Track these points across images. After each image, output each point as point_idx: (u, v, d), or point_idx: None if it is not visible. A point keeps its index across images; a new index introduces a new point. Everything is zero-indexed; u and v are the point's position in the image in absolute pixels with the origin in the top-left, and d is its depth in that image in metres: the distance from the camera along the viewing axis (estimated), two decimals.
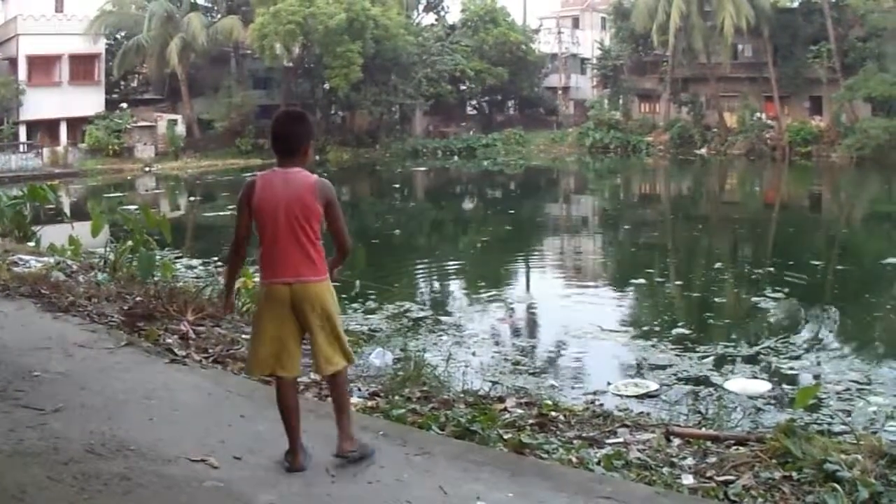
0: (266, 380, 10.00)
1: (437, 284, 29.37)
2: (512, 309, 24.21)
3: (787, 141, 78.31)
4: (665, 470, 8.16)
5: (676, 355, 17.93)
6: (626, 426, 9.81)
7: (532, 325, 22.83)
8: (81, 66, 79.95)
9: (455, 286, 29.01)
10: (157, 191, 66.98)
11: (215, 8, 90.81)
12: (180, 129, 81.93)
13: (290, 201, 7.08)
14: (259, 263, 7.33)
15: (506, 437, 8.76)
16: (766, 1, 79.33)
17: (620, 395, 14.84)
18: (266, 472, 7.33)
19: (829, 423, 12.80)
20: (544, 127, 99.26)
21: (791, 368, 17.18)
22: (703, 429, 10.13)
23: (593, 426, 9.79)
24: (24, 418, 8.32)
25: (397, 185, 69.59)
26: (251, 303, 15.02)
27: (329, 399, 8.22)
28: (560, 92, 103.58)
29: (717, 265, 30.77)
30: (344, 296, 22.66)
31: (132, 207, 25.50)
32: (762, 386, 15.67)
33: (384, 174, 75.46)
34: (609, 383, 15.69)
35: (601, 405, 12.34)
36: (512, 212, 50.56)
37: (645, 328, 21.18)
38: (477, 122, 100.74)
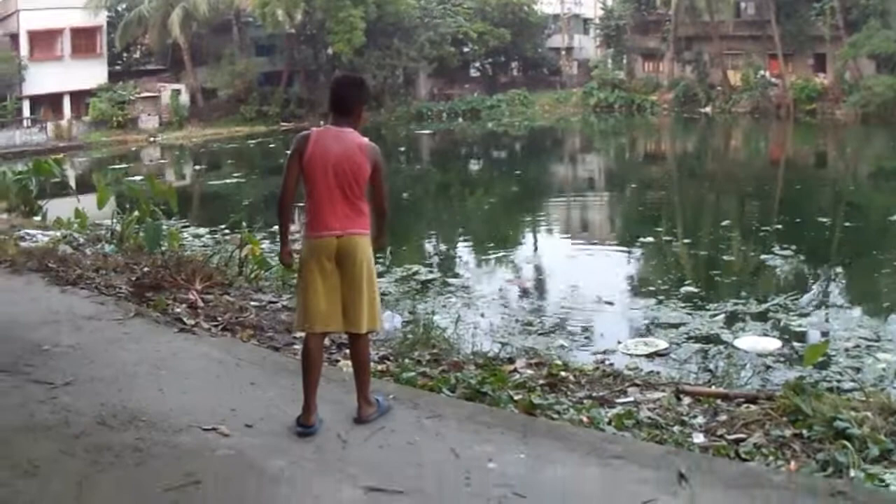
0: (276, 347, 10.07)
1: (444, 247, 29.40)
2: (520, 270, 24.21)
3: (792, 98, 77.92)
4: (676, 429, 8.17)
5: (686, 314, 17.93)
6: (637, 385, 9.81)
7: (540, 285, 22.83)
8: (83, 40, 79.60)
9: (463, 248, 29.04)
10: (162, 161, 66.92)
11: None
12: (184, 98, 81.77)
13: (341, 158, 7.40)
14: (307, 217, 7.54)
15: (516, 398, 8.77)
16: None
17: (630, 355, 14.84)
18: (278, 438, 7.35)
19: (839, 381, 12.81)
20: (548, 87, 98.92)
21: (800, 326, 17.19)
22: (713, 387, 10.12)
23: (603, 386, 9.79)
24: (35, 393, 8.34)
25: (403, 149, 69.56)
26: (259, 270, 15.08)
27: (344, 363, 8.30)
28: (563, 52, 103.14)
29: (725, 223, 30.74)
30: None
31: (137, 178, 25.57)
32: (772, 343, 15.67)
33: (389, 137, 75.26)
34: (619, 342, 15.69)
35: (611, 365, 12.29)
36: (518, 173, 50.51)
37: (653, 287, 21.17)
38: (481, 83, 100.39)
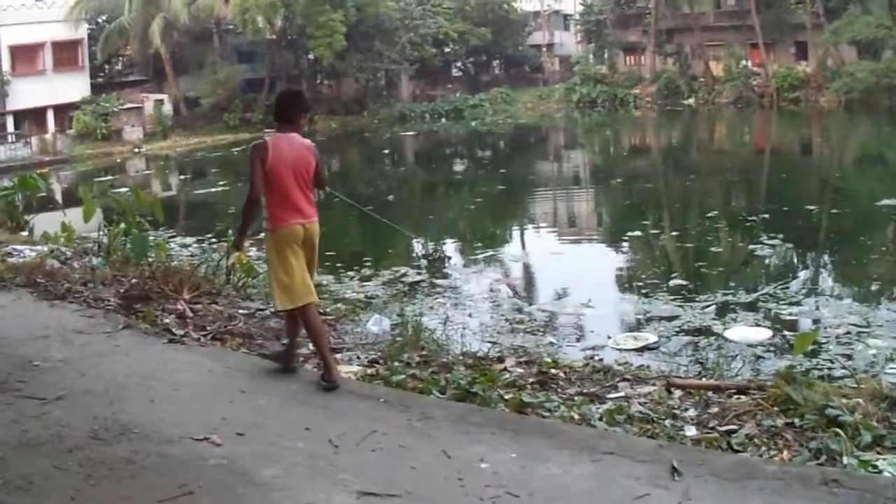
0: (265, 354, 10.11)
1: (431, 248, 29.35)
2: (508, 268, 24.21)
3: (775, 87, 78.08)
4: (667, 422, 8.19)
5: (675, 307, 17.92)
6: (627, 380, 9.84)
7: (529, 283, 22.83)
8: (65, 53, 79.53)
9: (450, 248, 29.02)
10: (148, 172, 66.83)
11: None
12: (167, 108, 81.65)
13: (297, 159, 9.14)
14: (272, 211, 9.17)
15: (507, 397, 8.80)
16: None
17: (620, 349, 14.82)
18: (270, 446, 7.36)
19: (830, 368, 12.85)
20: (530, 85, 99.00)
21: (790, 314, 17.16)
22: (704, 379, 10.14)
23: (594, 382, 9.81)
24: (27, 408, 8.33)
25: (387, 151, 69.53)
26: (247, 277, 15.07)
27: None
28: (544, 49, 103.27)
29: (712, 214, 30.71)
30: (339, 264, 22.75)
31: (123, 190, 25.46)
32: (762, 333, 15.65)
33: (373, 140, 75.33)
34: (609, 337, 15.68)
35: (601, 360, 12.32)
36: (503, 171, 50.49)
37: (642, 281, 21.16)
38: (463, 83, 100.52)
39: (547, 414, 8.40)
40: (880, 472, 6.77)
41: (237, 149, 67.85)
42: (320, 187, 9.77)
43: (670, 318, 16.97)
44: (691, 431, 7.94)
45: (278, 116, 9.39)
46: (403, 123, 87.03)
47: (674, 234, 27.85)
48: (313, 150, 9.34)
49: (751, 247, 24.01)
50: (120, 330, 11.06)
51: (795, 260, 23.26)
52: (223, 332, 11.44)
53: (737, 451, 7.41)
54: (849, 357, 13.85)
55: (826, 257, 24.10)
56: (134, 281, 13.84)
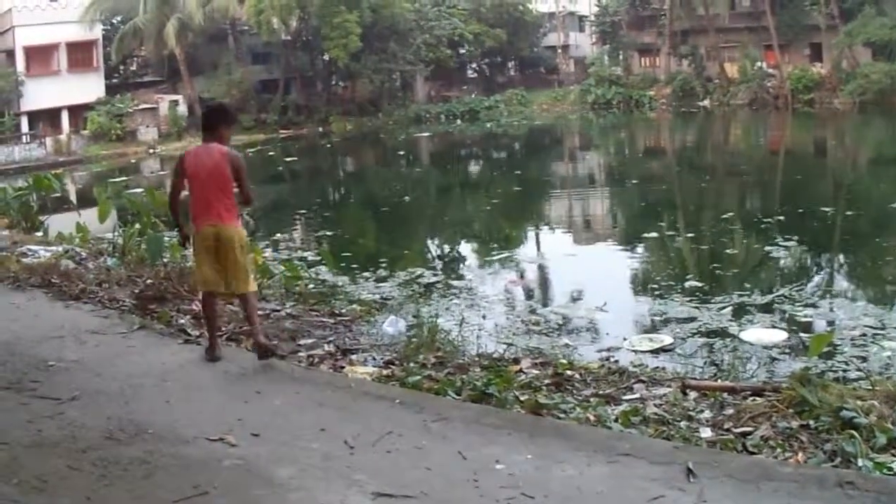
0: (282, 355, 10.13)
1: (447, 249, 29.34)
2: (523, 269, 24.18)
3: (789, 89, 77.74)
4: (683, 424, 8.17)
5: (691, 308, 17.87)
6: (642, 381, 9.82)
7: (544, 284, 22.78)
8: (79, 54, 79.63)
9: (466, 250, 28.98)
10: (162, 172, 66.68)
11: None
12: (182, 109, 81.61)
13: (212, 168, 9.86)
14: (192, 213, 10.11)
15: (522, 398, 8.79)
16: None
17: (635, 351, 14.76)
18: (285, 446, 7.36)
19: (845, 370, 12.79)
20: (545, 86, 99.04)
21: (805, 316, 17.10)
22: (719, 381, 10.13)
23: (609, 383, 9.80)
24: (42, 409, 8.35)
25: (402, 152, 69.51)
26: (261, 279, 15.10)
27: (349, 369, 8.41)
28: (559, 50, 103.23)
29: (727, 216, 30.64)
30: (355, 265, 22.77)
31: (138, 191, 25.52)
32: (777, 335, 15.60)
33: (388, 142, 75.30)
34: (624, 339, 15.63)
35: (616, 362, 12.29)
36: (518, 172, 50.38)
37: (657, 282, 21.10)
38: (478, 84, 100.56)
39: (562, 415, 8.39)
40: (895, 474, 6.75)
41: (252, 150, 67.89)
42: (245, 201, 10.31)
43: (685, 320, 16.90)
44: (706, 433, 7.92)
45: (203, 127, 10.41)
46: (418, 125, 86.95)
47: (689, 235, 27.79)
48: (230, 160, 9.93)
49: (766, 248, 23.96)
50: (135, 330, 11.11)
51: (810, 262, 23.21)
52: (238, 332, 11.46)
53: (752, 453, 7.39)
54: (864, 359, 13.79)
55: (841, 259, 24.02)
56: (149, 281, 13.89)
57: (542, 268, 24.62)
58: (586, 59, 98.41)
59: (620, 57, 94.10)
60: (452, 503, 6.42)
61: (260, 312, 12.77)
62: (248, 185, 10.22)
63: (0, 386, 9.07)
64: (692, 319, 16.93)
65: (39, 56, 77.31)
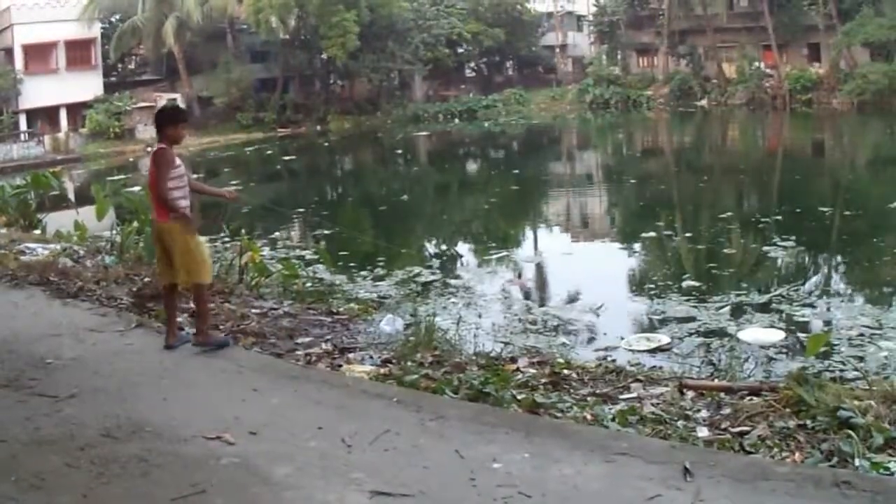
0: (279, 354, 10.12)
1: (445, 248, 29.36)
2: (521, 269, 24.19)
3: (787, 89, 77.94)
4: (680, 423, 8.17)
5: (688, 308, 17.89)
6: (640, 381, 9.81)
7: (542, 283, 22.80)
8: (78, 52, 79.76)
9: (463, 249, 29.03)
10: None
11: None
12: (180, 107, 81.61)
13: (150, 168, 10.45)
14: None
15: (519, 397, 8.77)
16: None
17: (632, 350, 14.79)
18: (282, 445, 7.35)
19: (842, 370, 12.81)
20: (543, 85, 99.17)
21: (802, 316, 17.13)
22: (716, 380, 10.13)
23: (606, 382, 9.79)
24: (40, 406, 8.34)
25: (400, 151, 69.57)
26: (259, 277, 15.11)
27: (347, 367, 8.41)
28: (558, 50, 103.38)
29: (725, 215, 30.65)
30: (353, 263, 22.77)
31: (136, 189, 25.48)
32: (774, 335, 15.61)
33: (386, 140, 75.38)
34: (621, 338, 15.65)
35: (613, 361, 12.31)
36: (516, 171, 50.39)
37: (655, 282, 21.14)
38: (476, 83, 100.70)
39: (559, 414, 8.38)
40: (892, 474, 6.74)
41: (250, 148, 68.02)
42: (159, 199, 10.20)
43: (683, 320, 16.93)
44: (703, 432, 7.91)
45: (155, 129, 10.84)
46: (417, 124, 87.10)
47: (686, 235, 27.83)
48: (152, 159, 10.41)
49: (763, 248, 23.98)
50: (132, 328, 11.10)
51: (808, 262, 23.22)
52: (236, 330, 11.47)
53: (749, 453, 7.39)
54: (861, 359, 13.81)
55: (838, 259, 24.04)
56: (147, 279, 13.88)
57: (539, 267, 24.66)
58: (584, 58, 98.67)
59: (618, 56, 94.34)
60: (450, 502, 6.41)
61: (256, 311, 12.81)
62: (160, 181, 10.04)
63: None
64: (690, 319, 16.96)
65: (38, 54, 77.43)
